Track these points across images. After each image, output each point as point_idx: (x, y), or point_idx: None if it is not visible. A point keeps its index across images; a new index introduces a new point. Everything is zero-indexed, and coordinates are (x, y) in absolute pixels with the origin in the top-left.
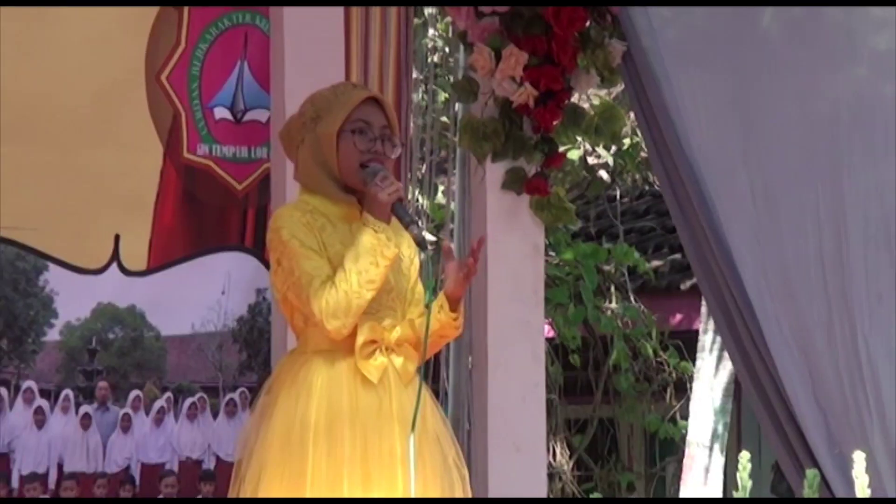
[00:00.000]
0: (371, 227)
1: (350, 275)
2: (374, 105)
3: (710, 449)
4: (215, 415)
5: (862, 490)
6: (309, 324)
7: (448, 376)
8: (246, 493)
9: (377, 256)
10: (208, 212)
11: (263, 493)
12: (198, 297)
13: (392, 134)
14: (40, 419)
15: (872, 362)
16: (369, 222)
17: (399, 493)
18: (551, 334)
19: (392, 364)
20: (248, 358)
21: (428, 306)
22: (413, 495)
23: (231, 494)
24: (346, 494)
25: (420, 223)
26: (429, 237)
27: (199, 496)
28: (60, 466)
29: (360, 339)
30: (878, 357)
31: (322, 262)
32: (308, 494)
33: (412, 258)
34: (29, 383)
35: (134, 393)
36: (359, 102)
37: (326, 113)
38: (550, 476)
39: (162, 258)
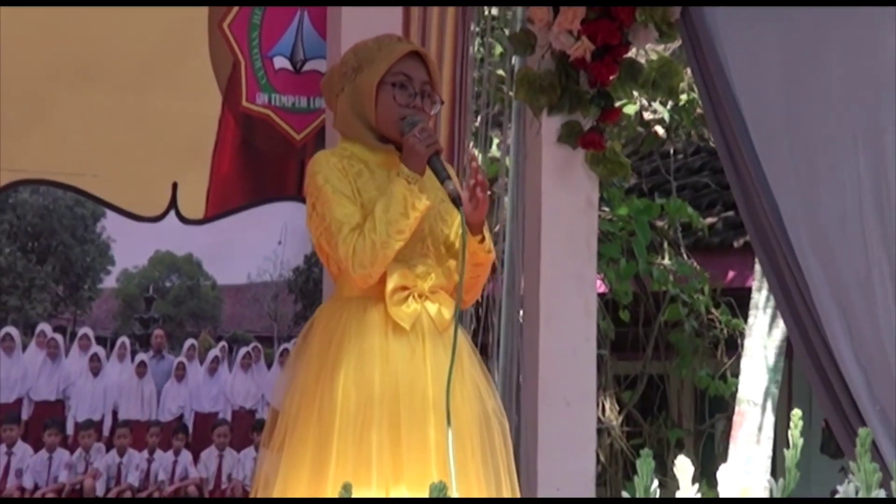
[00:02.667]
0: (404, 178)
1: (379, 224)
2: (417, 59)
3: (762, 407)
4: (269, 365)
5: None
6: (343, 272)
7: (499, 329)
8: (275, 444)
9: (408, 207)
10: (266, 161)
11: (290, 450)
12: (254, 247)
13: (433, 90)
14: (96, 366)
15: None
16: (403, 173)
17: (431, 450)
18: (603, 289)
19: (426, 311)
20: (303, 308)
21: (461, 264)
22: (448, 450)
23: (265, 439)
24: (374, 456)
25: (453, 176)
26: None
27: (251, 446)
28: (115, 414)
29: (389, 286)
30: None
31: (353, 210)
32: (334, 453)
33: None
34: (85, 330)
35: (189, 342)
36: (401, 56)
37: (368, 64)
38: (599, 431)
39: (219, 207)
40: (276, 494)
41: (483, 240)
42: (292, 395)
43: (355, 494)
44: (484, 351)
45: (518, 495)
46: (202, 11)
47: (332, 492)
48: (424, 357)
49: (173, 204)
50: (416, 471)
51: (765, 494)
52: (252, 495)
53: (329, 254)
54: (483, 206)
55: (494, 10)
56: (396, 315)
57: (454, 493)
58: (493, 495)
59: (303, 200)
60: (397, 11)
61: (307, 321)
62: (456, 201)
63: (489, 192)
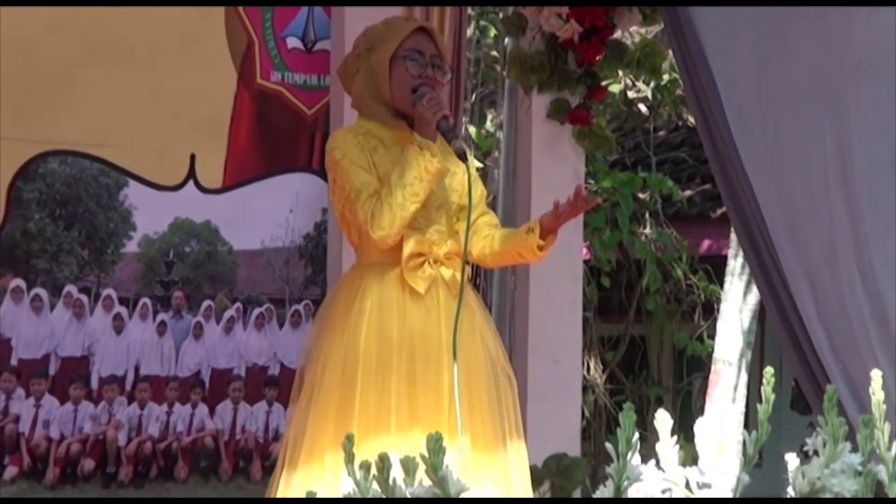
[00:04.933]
0: (417, 145)
1: (395, 188)
2: (425, 34)
3: (737, 366)
4: (281, 325)
5: (878, 406)
6: (363, 238)
7: (492, 292)
8: (303, 401)
9: (421, 171)
10: (279, 135)
11: (316, 417)
12: (268, 215)
13: (442, 61)
14: (119, 325)
15: (878, 289)
16: (416, 140)
17: (444, 396)
18: (588, 256)
19: (441, 276)
20: (313, 273)
21: (467, 227)
22: (458, 395)
23: (293, 397)
24: (392, 402)
25: (460, 138)
26: (476, 164)
27: (264, 400)
28: (137, 369)
29: (405, 251)
30: (883, 285)
31: (370, 178)
32: (358, 402)
33: (463, 175)
34: (108, 291)
35: (206, 303)
36: (410, 32)
37: (379, 43)
38: (585, 388)
39: (235, 177)
40: (305, 450)
41: (544, 249)
42: (317, 355)
43: (377, 440)
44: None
45: (524, 447)
46: None
47: (357, 439)
48: (439, 316)
49: (192, 174)
50: (431, 415)
51: (738, 447)
52: (282, 454)
53: (350, 221)
54: (563, 221)
55: None
56: (412, 280)
57: (461, 433)
58: (499, 440)
59: (313, 172)
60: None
61: (317, 288)
62: (461, 156)
63: (483, 165)
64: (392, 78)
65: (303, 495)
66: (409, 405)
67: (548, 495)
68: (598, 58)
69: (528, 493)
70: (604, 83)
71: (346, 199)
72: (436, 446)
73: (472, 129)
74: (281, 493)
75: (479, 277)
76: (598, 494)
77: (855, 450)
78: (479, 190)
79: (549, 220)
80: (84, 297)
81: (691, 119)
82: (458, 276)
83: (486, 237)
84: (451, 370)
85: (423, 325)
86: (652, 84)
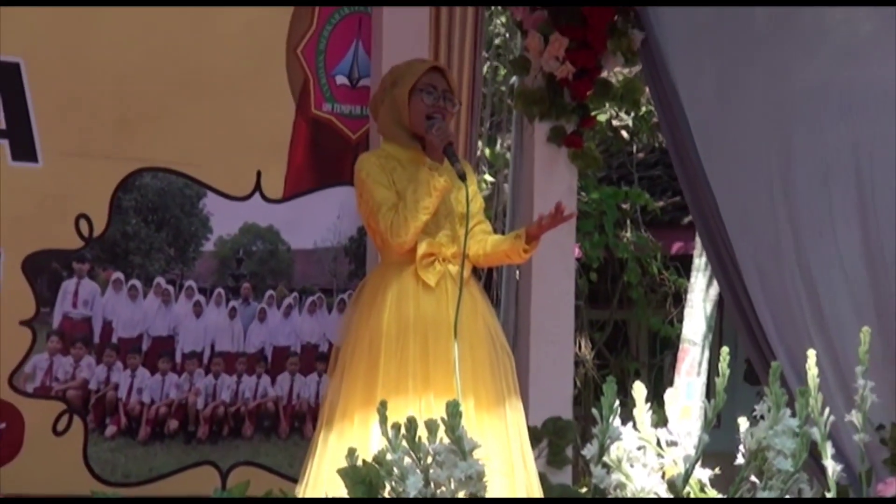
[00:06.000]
0: (427, 166)
1: (409, 203)
2: (438, 73)
3: (700, 346)
4: (329, 310)
5: (813, 381)
6: (384, 243)
7: (501, 284)
8: (337, 372)
9: (430, 188)
10: (328, 155)
11: (348, 386)
12: (319, 221)
13: (452, 95)
14: (198, 310)
15: (812, 282)
16: (426, 162)
17: (453, 365)
18: (580, 255)
19: (448, 271)
20: (355, 268)
21: (465, 232)
22: (459, 374)
23: (330, 370)
24: (409, 370)
25: (462, 160)
26: (487, 178)
27: (315, 372)
28: (213, 346)
29: (419, 252)
30: (817, 278)
31: (389, 194)
32: (381, 370)
33: (470, 191)
34: (190, 282)
35: (269, 292)
36: (426, 70)
37: (401, 79)
38: (576, 363)
39: (293, 189)
40: (339, 412)
41: (528, 251)
42: (348, 335)
43: (396, 401)
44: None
45: (520, 405)
46: (282, 38)
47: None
48: (447, 303)
49: (258, 187)
50: (441, 382)
51: (700, 412)
52: (321, 417)
53: (374, 228)
54: (544, 230)
55: (498, 41)
56: (424, 275)
57: (462, 395)
58: (499, 401)
59: None
60: (425, 42)
61: (359, 280)
62: (461, 177)
63: (493, 181)
64: (410, 107)
65: (338, 450)
66: (422, 374)
67: (545, 451)
68: (588, 93)
69: (524, 441)
70: (593, 114)
71: (369, 211)
72: (453, 411)
73: (487, 150)
74: (320, 448)
75: (492, 274)
76: (585, 451)
77: (794, 415)
78: (477, 203)
79: (534, 228)
80: (170, 287)
81: (664, 142)
82: (463, 272)
83: (480, 241)
84: (453, 346)
85: (434, 311)
86: (632, 114)
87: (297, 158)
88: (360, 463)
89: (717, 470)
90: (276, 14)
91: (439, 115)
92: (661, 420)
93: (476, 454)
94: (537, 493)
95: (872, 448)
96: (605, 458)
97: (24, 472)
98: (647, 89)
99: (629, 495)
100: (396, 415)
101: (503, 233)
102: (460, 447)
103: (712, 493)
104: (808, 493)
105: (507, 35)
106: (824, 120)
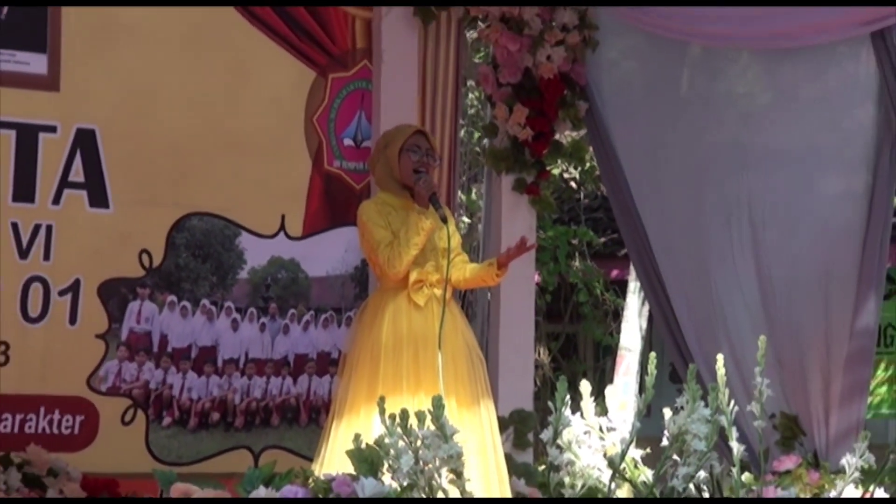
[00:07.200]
0: (416, 211)
1: (402, 241)
2: (421, 135)
3: (636, 352)
4: (339, 325)
5: (721, 379)
6: (382, 273)
7: (476, 306)
8: (345, 375)
9: (418, 228)
10: (338, 202)
11: (354, 385)
12: (331, 253)
13: (433, 152)
14: (235, 325)
15: (720, 302)
16: (415, 208)
17: (438, 372)
18: (538, 280)
19: (434, 294)
20: (359, 291)
21: (447, 263)
22: (443, 375)
23: (339, 372)
24: (403, 374)
25: (443, 206)
26: (465, 219)
27: (328, 374)
28: (247, 354)
29: (411, 279)
30: (724, 300)
31: (386, 233)
32: (381, 375)
33: (450, 230)
34: (228, 303)
35: (291, 311)
36: (411, 133)
37: (392, 141)
38: (536, 367)
39: (310, 229)
40: (347, 407)
41: (500, 276)
42: (354, 345)
43: (394, 400)
44: (467, 316)
45: (492, 403)
46: (301, 108)
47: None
48: (434, 320)
49: (282, 227)
50: (428, 384)
51: (634, 405)
52: (331, 415)
53: (374, 261)
54: (511, 258)
55: (472, 111)
56: (415, 298)
57: (444, 394)
58: (475, 399)
59: None
60: (414, 112)
61: (362, 301)
62: (443, 220)
63: (469, 222)
64: (400, 163)
65: (347, 438)
66: (414, 376)
67: (511, 436)
68: (544, 151)
69: (494, 429)
70: (548, 168)
71: (370, 248)
72: (438, 404)
73: (464, 197)
74: (332, 436)
75: (468, 296)
76: (542, 435)
77: (707, 406)
78: (455, 239)
79: (503, 257)
80: (213, 308)
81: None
82: (444, 294)
83: (461, 269)
84: (443, 356)
85: (422, 326)
86: (579, 168)
87: (313, 204)
88: (363, 446)
89: (647, 450)
90: (297, 89)
91: (424, 169)
92: (602, 411)
93: (456, 438)
94: (504, 470)
95: (768, 432)
96: (558, 441)
97: (98, 454)
98: (591, 148)
99: (577, 471)
100: (393, 408)
101: (479, 262)
102: (443, 433)
103: (644, 470)
104: (717, 469)
105: (480, 106)
106: (728, 173)
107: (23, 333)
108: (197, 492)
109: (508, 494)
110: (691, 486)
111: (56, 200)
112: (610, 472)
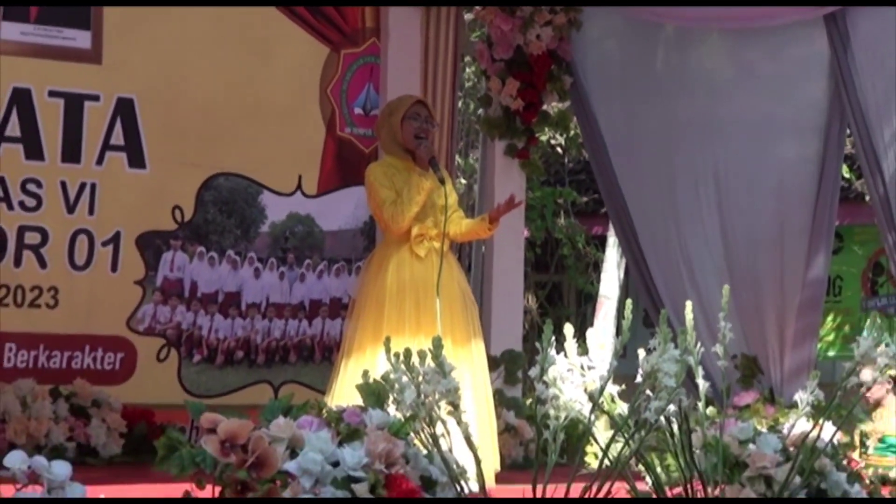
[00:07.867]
0: (417, 173)
1: (404, 200)
2: (421, 104)
3: (613, 300)
4: (349, 273)
5: (689, 323)
6: (387, 228)
7: (471, 257)
8: (353, 317)
9: (419, 188)
10: (348, 164)
11: (361, 327)
12: (342, 209)
13: (432, 119)
14: (257, 273)
15: (689, 253)
16: (416, 170)
17: (437, 314)
18: (527, 235)
19: (433, 247)
20: (368, 244)
21: (444, 219)
22: (441, 318)
23: (349, 315)
24: (405, 316)
25: (441, 168)
26: (462, 181)
27: (339, 317)
28: (267, 299)
29: (412, 234)
30: (693, 252)
31: (391, 193)
32: (385, 316)
33: (447, 189)
34: (251, 254)
35: (307, 261)
36: (412, 103)
37: (395, 110)
38: (525, 312)
39: (324, 188)
40: (355, 346)
41: (491, 229)
42: (362, 291)
43: (397, 340)
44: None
45: (482, 343)
46: (316, 80)
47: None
48: (433, 270)
49: (299, 186)
50: (428, 326)
51: (610, 349)
52: (342, 353)
53: (380, 217)
54: (501, 214)
55: (470, 84)
56: (417, 249)
57: (442, 335)
58: (468, 339)
59: None
60: (417, 85)
61: (370, 253)
62: (441, 181)
63: (466, 183)
64: (403, 129)
65: (356, 374)
66: (415, 319)
67: (502, 373)
68: (533, 120)
69: (485, 369)
70: (537, 135)
71: (376, 205)
72: (437, 344)
73: (461, 160)
74: (342, 372)
75: (465, 248)
76: (530, 373)
77: (676, 347)
78: (452, 198)
79: (494, 213)
80: (237, 258)
81: (588, 155)
82: (442, 246)
83: (457, 224)
84: (441, 299)
85: (423, 275)
86: (564, 135)
87: (327, 166)
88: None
89: (623, 386)
90: (313, 63)
91: (424, 135)
92: (584, 351)
93: (453, 374)
94: (492, 402)
95: (730, 371)
96: (544, 378)
97: (137, 388)
98: (575, 118)
99: (561, 404)
100: (397, 347)
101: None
102: (442, 369)
103: (620, 403)
104: (685, 403)
105: (476, 79)
106: (696, 140)
107: (70, 280)
108: (223, 421)
109: (494, 422)
110: (662, 417)
111: (99, 161)
112: (590, 405)
